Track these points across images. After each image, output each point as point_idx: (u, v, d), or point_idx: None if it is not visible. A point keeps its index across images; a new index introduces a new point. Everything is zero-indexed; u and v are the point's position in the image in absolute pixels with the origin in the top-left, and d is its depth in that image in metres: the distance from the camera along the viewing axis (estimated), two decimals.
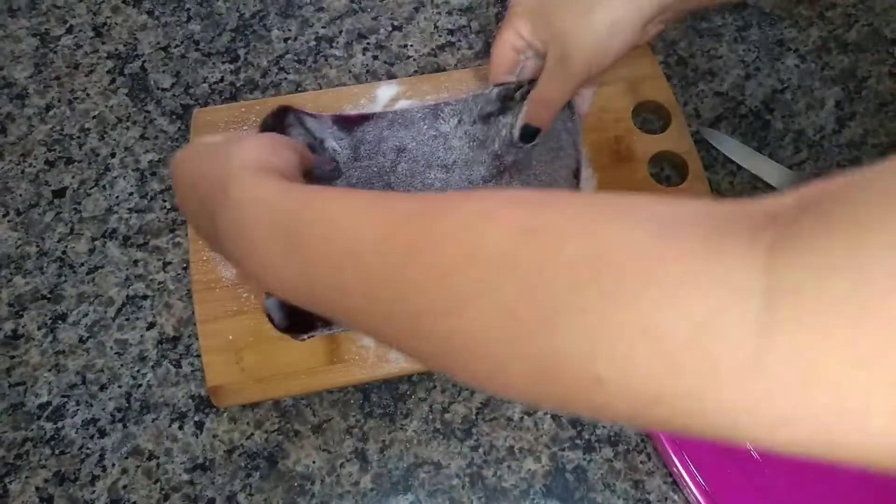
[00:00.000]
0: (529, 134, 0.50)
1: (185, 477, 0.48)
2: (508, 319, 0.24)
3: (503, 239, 0.25)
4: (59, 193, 0.57)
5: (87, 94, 0.61)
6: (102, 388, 0.50)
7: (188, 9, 0.65)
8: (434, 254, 0.26)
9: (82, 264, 0.54)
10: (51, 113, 0.60)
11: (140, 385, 0.50)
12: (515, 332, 0.24)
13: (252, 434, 0.49)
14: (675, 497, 0.47)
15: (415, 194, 0.31)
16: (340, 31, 0.64)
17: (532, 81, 0.50)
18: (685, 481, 0.45)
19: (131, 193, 0.57)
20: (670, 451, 0.46)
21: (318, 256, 0.30)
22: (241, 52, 0.63)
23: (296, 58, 0.63)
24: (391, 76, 0.62)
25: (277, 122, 0.54)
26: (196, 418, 0.49)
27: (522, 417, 0.50)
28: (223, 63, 0.62)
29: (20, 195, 0.57)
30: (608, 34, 0.44)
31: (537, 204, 0.26)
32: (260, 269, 0.33)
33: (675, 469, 0.46)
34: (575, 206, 0.25)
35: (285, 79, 0.62)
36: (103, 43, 0.63)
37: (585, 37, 0.44)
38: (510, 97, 0.56)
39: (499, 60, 0.50)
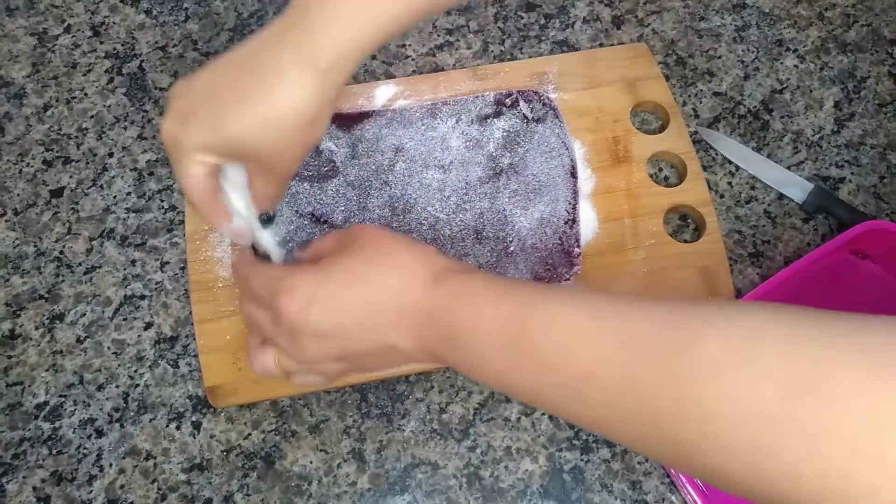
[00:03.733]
0: (268, 219, 0.44)
1: (183, 477, 0.48)
2: (785, 477, 0.24)
3: (773, 397, 0.25)
4: (57, 193, 0.57)
5: (85, 94, 0.61)
6: (100, 387, 0.50)
7: (186, 8, 0.65)
8: (691, 391, 0.27)
9: (80, 264, 0.54)
10: (48, 112, 0.60)
11: (137, 385, 0.50)
12: (793, 487, 0.24)
13: (249, 434, 0.49)
14: (673, 498, 0.47)
15: (641, 306, 0.31)
16: None
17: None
18: (682, 481, 0.45)
19: (129, 193, 0.57)
20: None
21: (550, 368, 0.32)
22: None
23: None
24: (389, 76, 0.62)
25: None
26: (193, 418, 0.49)
27: (520, 418, 0.50)
28: None
29: (18, 195, 0.57)
30: (293, 128, 0.37)
31: (807, 358, 0.25)
32: (474, 368, 0.35)
33: (672, 469, 0.46)
34: (846, 360, 0.25)
35: None
36: (101, 42, 0.63)
37: (270, 141, 0.37)
38: (503, 102, 0.56)
39: (206, 198, 0.39)
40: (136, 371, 0.51)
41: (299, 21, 0.36)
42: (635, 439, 0.30)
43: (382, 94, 0.58)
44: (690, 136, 0.58)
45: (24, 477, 0.48)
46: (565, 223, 0.52)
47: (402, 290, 0.36)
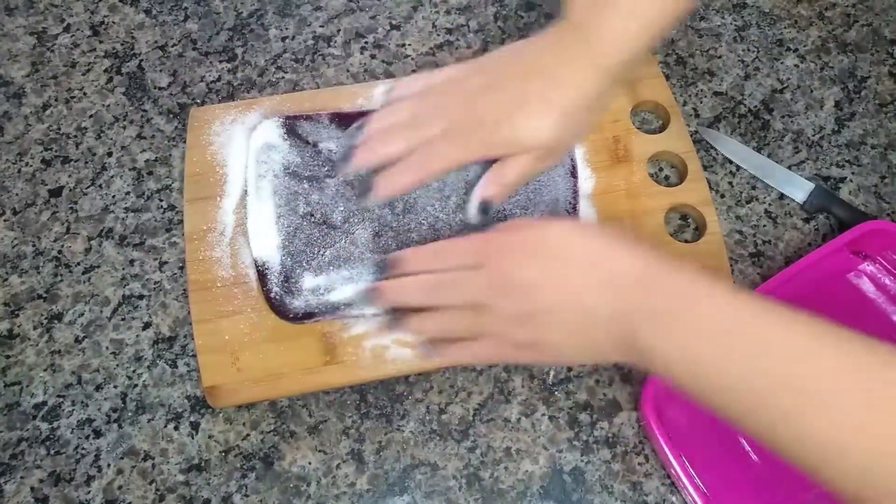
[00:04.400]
0: (485, 210, 0.48)
1: (181, 478, 0.48)
2: None
3: None
4: (56, 193, 0.57)
5: (84, 93, 0.61)
6: (98, 388, 0.50)
7: (186, 8, 0.65)
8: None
9: (78, 264, 0.54)
10: (48, 112, 0.60)
11: (136, 385, 0.50)
12: None
13: (248, 435, 0.49)
14: (674, 499, 0.47)
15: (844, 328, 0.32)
16: (338, 31, 0.64)
17: None
18: (683, 483, 0.45)
19: (128, 193, 0.57)
20: (668, 453, 0.45)
21: (759, 354, 0.32)
22: (239, 51, 0.63)
23: (293, 57, 0.62)
24: (389, 75, 0.61)
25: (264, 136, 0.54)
26: (192, 419, 0.49)
27: (520, 419, 0.49)
28: (220, 62, 0.62)
29: (16, 194, 0.57)
30: (573, 123, 0.43)
31: None
32: (672, 347, 0.34)
33: (673, 471, 0.46)
34: None
35: (283, 78, 0.61)
36: (100, 42, 0.63)
37: (551, 136, 0.43)
38: None
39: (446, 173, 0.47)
40: (134, 371, 0.51)
41: (581, 29, 0.42)
42: (805, 441, 0.30)
43: (382, 93, 0.58)
44: (691, 135, 0.57)
45: (21, 477, 0.47)
46: None
47: (618, 256, 0.37)
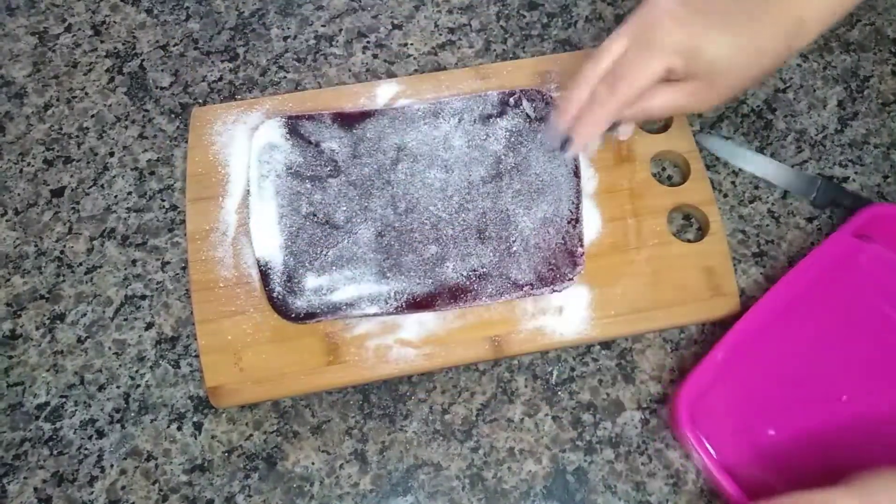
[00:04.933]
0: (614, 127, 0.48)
1: (184, 478, 0.48)
2: None
3: None
4: (58, 193, 0.57)
5: (86, 93, 0.61)
6: (101, 388, 0.50)
7: (187, 7, 0.65)
8: None
9: (80, 264, 0.54)
10: (49, 112, 0.60)
11: (138, 385, 0.50)
12: None
13: (251, 435, 0.49)
14: (677, 499, 0.47)
15: None
16: (340, 30, 0.64)
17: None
18: (724, 488, 0.44)
19: (130, 193, 0.57)
20: (703, 456, 0.45)
21: None
22: (241, 50, 0.62)
23: (295, 56, 0.62)
24: (391, 75, 0.61)
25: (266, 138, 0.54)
26: (195, 419, 0.49)
27: (523, 419, 0.49)
28: (222, 62, 0.62)
29: (18, 194, 0.57)
30: (758, 62, 0.43)
31: None
32: None
33: (709, 475, 0.45)
34: None
35: (284, 77, 0.61)
36: (102, 42, 0.63)
37: (732, 64, 0.43)
38: (506, 102, 0.55)
39: (635, 94, 0.45)
40: (136, 371, 0.51)
41: None
42: None
43: (384, 93, 0.57)
44: (693, 135, 0.57)
45: (24, 478, 0.47)
46: (568, 223, 0.52)
47: None
